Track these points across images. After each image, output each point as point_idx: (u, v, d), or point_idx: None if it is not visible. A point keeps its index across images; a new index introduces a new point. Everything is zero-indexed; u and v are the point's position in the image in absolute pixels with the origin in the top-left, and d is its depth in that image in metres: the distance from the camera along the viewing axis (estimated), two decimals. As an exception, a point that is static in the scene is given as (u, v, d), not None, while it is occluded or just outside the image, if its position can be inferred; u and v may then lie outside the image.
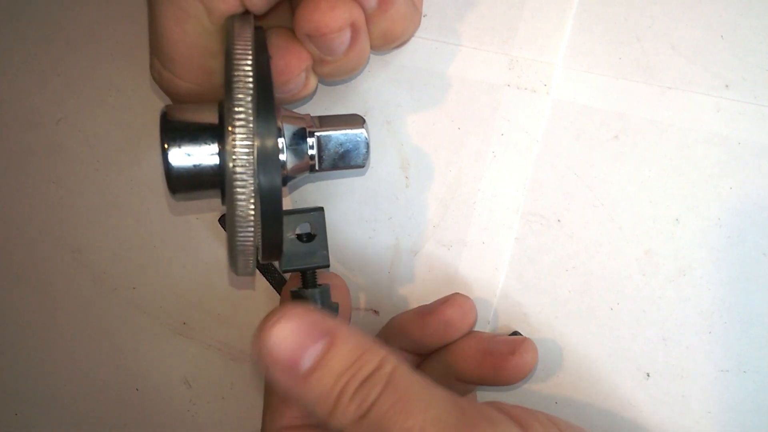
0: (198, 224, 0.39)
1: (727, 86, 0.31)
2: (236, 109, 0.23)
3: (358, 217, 0.36)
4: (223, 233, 0.38)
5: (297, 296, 0.30)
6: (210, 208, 0.39)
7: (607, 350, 0.34)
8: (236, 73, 0.23)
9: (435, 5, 0.33)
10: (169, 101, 0.31)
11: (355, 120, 0.30)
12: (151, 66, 0.29)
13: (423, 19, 0.33)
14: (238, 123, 0.23)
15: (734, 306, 0.32)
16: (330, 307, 0.30)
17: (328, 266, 0.30)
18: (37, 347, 0.43)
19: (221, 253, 0.39)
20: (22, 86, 0.40)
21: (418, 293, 0.36)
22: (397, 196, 0.35)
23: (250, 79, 0.23)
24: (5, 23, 0.39)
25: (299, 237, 0.30)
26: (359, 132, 0.30)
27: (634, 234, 0.33)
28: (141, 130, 0.39)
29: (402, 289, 0.36)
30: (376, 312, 0.37)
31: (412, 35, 0.33)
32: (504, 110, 0.33)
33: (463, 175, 0.35)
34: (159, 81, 0.29)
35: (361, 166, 0.30)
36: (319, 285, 0.30)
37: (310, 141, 0.29)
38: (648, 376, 0.33)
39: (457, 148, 0.34)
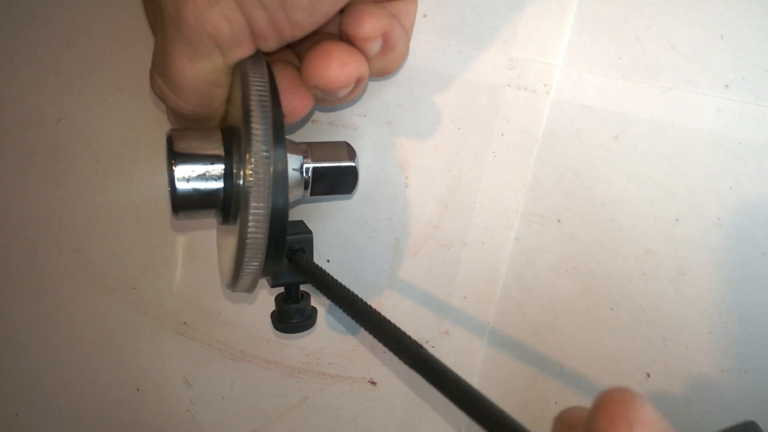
0: (198, 224, 0.39)
1: (727, 86, 0.31)
2: (254, 140, 0.25)
3: (358, 217, 0.36)
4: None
5: (281, 308, 0.32)
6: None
7: (607, 350, 0.34)
8: (254, 113, 0.25)
9: (435, 5, 0.33)
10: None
11: (344, 151, 0.32)
12: (153, 81, 0.29)
13: (423, 19, 0.33)
14: (255, 152, 0.25)
15: (734, 306, 0.32)
16: (308, 315, 0.33)
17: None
18: (37, 347, 0.43)
19: (221, 253, 0.39)
20: (22, 86, 0.40)
21: (418, 293, 0.36)
22: (397, 196, 0.35)
23: (268, 116, 0.25)
24: (5, 23, 0.39)
25: (287, 256, 0.32)
26: (350, 165, 0.32)
27: (634, 234, 0.33)
28: (141, 130, 0.39)
29: (402, 289, 0.36)
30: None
31: (403, 63, 0.34)
32: (504, 110, 0.33)
33: (463, 175, 0.35)
34: (160, 96, 0.29)
35: (348, 193, 0.33)
36: (302, 297, 0.33)
37: (306, 168, 0.31)
38: (648, 376, 0.33)
39: (457, 148, 0.34)
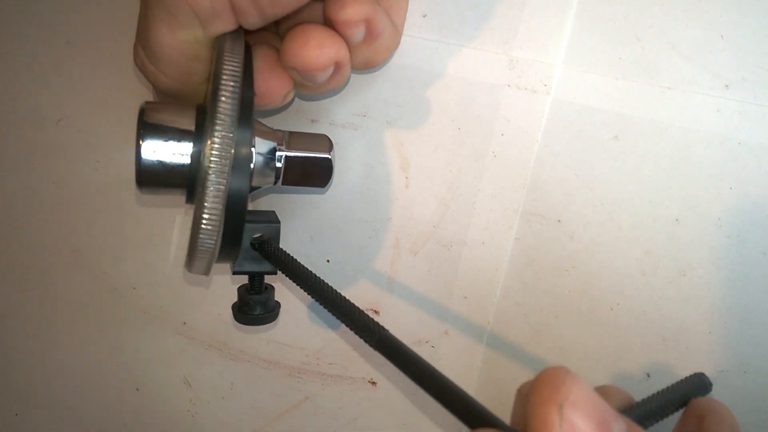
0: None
1: (727, 86, 0.31)
2: (219, 118, 0.25)
3: (358, 217, 0.36)
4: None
5: (243, 298, 0.32)
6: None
7: (607, 350, 0.34)
8: (223, 90, 0.25)
9: (435, 5, 0.33)
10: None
11: (323, 143, 0.32)
12: (135, 53, 0.29)
13: (423, 19, 0.33)
14: (218, 130, 0.25)
15: (734, 306, 0.32)
16: (270, 308, 0.32)
17: (275, 273, 0.32)
18: (37, 347, 0.43)
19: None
20: (23, 86, 0.40)
21: (418, 293, 0.36)
22: (397, 196, 0.35)
23: (237, 95, 0.25)
24: (5, 23, 0.39)
25: (252, 244, 0.31)
26: (325, 157, 0.31)
27: (634, 234, 0.33)
28: (141, 130, 0.39)
29: (402, 289, 0.36)
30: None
31: (391, 56, 0.33)
32: (504, 110, 0.33)
33: (463, 175, 0.35)
34: (141, 68, 0.30)
35: (322, 187, 0.32)
36: (265, 288, 0.32)
37: (279, 156, 0.30)
38: (648, 376, 0.33)
39: (457, 148, 0.34)
